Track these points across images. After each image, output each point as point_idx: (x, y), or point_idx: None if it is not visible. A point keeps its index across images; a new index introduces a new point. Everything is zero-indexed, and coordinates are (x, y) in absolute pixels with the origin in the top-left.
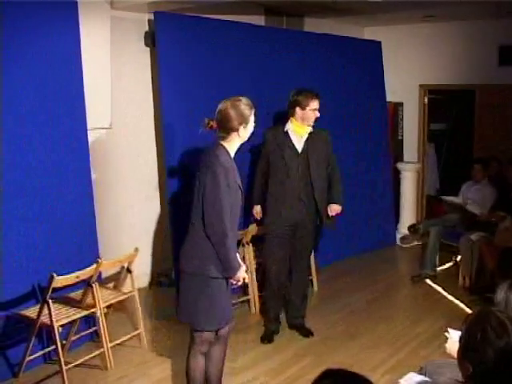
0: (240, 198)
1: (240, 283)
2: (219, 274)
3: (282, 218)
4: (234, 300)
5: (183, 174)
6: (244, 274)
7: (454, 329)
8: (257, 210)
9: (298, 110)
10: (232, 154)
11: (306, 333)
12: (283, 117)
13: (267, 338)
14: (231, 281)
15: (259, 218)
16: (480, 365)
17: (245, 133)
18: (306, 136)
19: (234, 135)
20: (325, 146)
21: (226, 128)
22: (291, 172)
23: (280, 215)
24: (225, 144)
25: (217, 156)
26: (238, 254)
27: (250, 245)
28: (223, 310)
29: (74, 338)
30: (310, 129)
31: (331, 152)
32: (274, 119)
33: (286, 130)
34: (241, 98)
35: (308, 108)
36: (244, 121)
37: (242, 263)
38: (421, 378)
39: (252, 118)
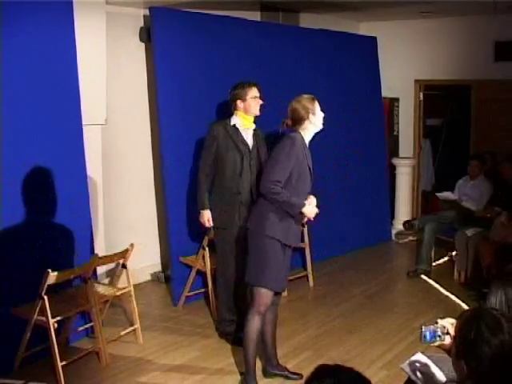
0: (309, 178)
1: (312, 215)
2: (274, 235)
3: (234, 223)
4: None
5: (179, 170)
6: (312, 208)
7: None
8: (208, 216)
9: (239, 103)
10: (306, 140)
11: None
12: (278, 110)
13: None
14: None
15: (211, 226)
16: (476, 364)
17: (315, 119)
18: (252, 131)
19: (306, 123)
20: (264, 143)
21: (298, 120)
22: (245, 169)
23: (233, 219)
24: (300, 130)
25: (289, 135)
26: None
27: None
28: (279, 272)
29: (69, 335)
30: (253, 125)
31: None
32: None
33: (233, 123)
34: (302, 95)
35: (248, 97)
36: (310, 110)
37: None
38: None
39: (317, 108)
